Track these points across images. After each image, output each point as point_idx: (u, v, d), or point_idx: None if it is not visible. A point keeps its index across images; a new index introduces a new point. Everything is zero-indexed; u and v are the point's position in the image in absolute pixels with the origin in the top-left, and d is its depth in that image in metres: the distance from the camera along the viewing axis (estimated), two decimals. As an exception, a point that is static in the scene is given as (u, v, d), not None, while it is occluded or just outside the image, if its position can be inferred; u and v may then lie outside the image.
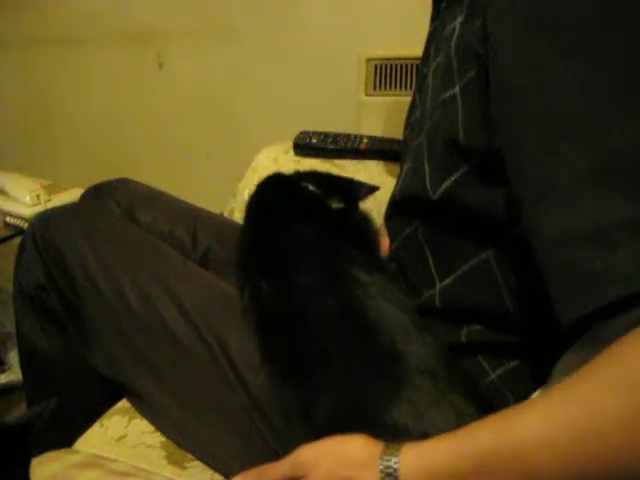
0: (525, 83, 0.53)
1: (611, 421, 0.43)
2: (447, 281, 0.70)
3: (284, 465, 0.60)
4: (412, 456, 0.52)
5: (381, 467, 0.52)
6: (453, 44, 0.67)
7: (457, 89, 0.64)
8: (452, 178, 0.65)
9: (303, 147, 1.39)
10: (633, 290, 0.43)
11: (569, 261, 0.47)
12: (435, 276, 0.71)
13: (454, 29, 0.67)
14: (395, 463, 0.52)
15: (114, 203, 1.11)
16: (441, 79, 0.68)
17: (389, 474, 0.52)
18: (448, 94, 0.65)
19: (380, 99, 1.61)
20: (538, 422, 0.46)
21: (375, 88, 1.62)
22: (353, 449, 0.56)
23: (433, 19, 0.83)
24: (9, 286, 1.07)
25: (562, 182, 0.49)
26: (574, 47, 0.50)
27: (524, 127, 0.53)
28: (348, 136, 1.42)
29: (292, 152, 1.40)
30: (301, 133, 1.43)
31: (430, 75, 0.75)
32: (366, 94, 1.63)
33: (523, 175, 0.53)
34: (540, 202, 0.50)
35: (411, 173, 0.72)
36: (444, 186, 0.66)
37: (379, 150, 1.35)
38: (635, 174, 0.46)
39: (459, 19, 0.66)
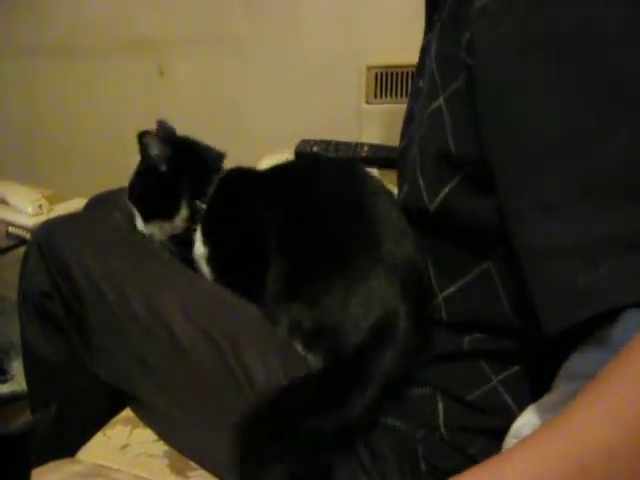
0: (508, 97, 0.54)
1: (607, 454, 0.41)
2: (448, 293, 0.70)
3: None
4: None
5: None
6: (433, 56, 0.67)
7: (441, 100, 0.65)
8: (447, 189, 0.65)
9: (304, 156, 1.39)
10: (610, 306, 0.44)
11: (553, 274, 0.49)
12: (436, 288, 0.71)
13: (433, 42, 0.68)
14: None
15: (118, 212, 1.11)
16: (428, 91, 0.69)
17: None
18: (433, 106, 0.66)
19: (381, 107, 1.62)
20: (529, 464, 0.43)
21: (376, 96, 1.62)
22: None
23: (426, 32, 0.83)
24: (12, 296, 1.07)
25: (547, 198, 0.50)
26: (557, 62, 0.50)
27: (510, 141, 0.54)
28: (349, 144, 1.42)
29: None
30: (302, 142, 1.43)
31: (424, 87, 0.76)
32: (367, 102, 1.63)
33: (509, 188, 0.55)
34: (526, 216, 0.52)
35: (408, 186, 0.73)
36: (440, 197, 0.66)
37: (380, 158, 1.35)
38: (617, 192, 0.47)
39: (435, 31, 0.67)
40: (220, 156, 1.04)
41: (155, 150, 0.98)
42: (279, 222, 0.88)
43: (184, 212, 0.98)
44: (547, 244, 0.49)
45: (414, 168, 0.71)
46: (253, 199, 0.95)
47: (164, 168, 0.99)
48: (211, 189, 0.98)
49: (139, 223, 1.01)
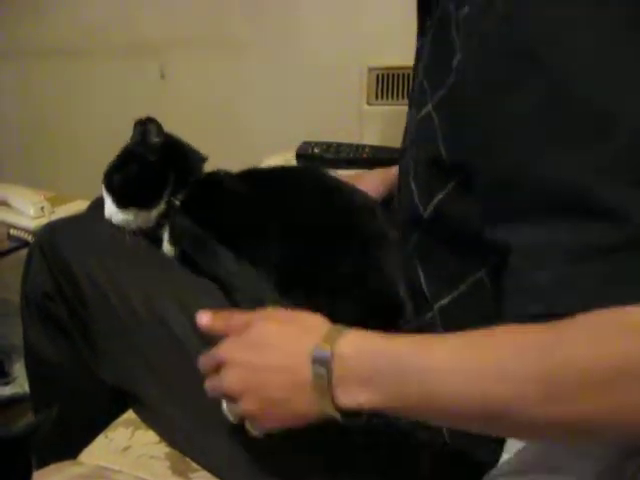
0: (479, 105, 0.55)
1: (501, 379, 0.49)
2: (443, 303, 0.70)
3: (249, 317, 0.68)
4: (352, 337, 0.60)
5: (324, 332, 0.61)
6: (424, 61, 0.67)
7: (430, 107, 0.65)
8: (441, 195, 0.65)
9: (305, 157, 1.40)
10: (550, 310, 0.48)
11: (514, 272, 0.53)
12: (430, 299, 0.71)
13: (425, 47, 0.68)
14: (340, 338, 0.59)
15: None
16: (418, 97, 0.69)
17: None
18: (423, 112, 0.66)
19: (382, 108, 1.62)
20: (447, 353, 0.54)
21: (377, 97, 1.63)
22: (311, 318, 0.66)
23: (419, 37, 0.82)
24: (13, 298, 1.07)
25: (516, 209, 0.53)
26: (529, 74, 0.51)
27: (485, 150, 0.56)
28: (350, 146, 1.42)
29: (294, 162, 1.40)
30: (303, 143, 1.44)
31: (416, 92, 0.75)
32: (368, 103, 1.64)
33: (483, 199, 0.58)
34: (498, 224, 0.55)
35: (403, 192, 0.73)
36: (434, 203, 0.66)
37: (381, 159, 1.35)
38: (575, 205, 0.48)
39: (428, 36, 0.67)
40: (203, 159, 1.04)
41: (155, 137, 0.98)
42: (272, 225, 0.89)
43: (162, 205, 0.98)
44: (510, 241, 0.53)
45: (407, 173, 0.71)
46: (225, 205, 0.96)
47: (153, 157, 0.98)
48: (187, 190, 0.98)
49: (111, 210, 0.99)
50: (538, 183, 0.50)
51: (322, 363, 0.59)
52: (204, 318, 0.69)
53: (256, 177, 1.01)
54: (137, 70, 2.08)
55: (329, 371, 0.58)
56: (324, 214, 0.90)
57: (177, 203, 0.97)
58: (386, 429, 0.76)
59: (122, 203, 0.98)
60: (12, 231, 1.49)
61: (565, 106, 0.49)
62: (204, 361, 0.70)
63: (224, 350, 0.67)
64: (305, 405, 0.61)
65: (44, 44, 2.16)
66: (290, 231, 0.88)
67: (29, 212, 1.48)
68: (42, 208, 1.49)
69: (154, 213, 0.98)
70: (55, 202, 1.55)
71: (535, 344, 0.48)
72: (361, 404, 0.57)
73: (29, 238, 1.44)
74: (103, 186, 1.00)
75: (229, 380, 0.65)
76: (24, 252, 1.06)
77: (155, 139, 0.98)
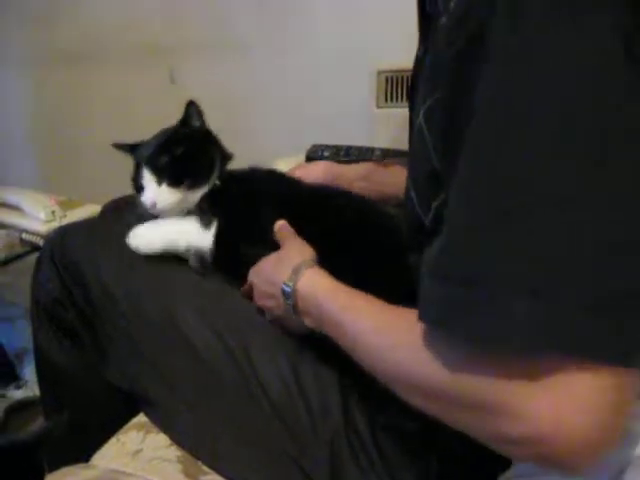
0: (450, 122, 0.56)
1: (395, 364, 0.58)
2: None
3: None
4: (310, 276, 0.76)
5: (293, 266, 0.77)
6: (425, 72, 0.67)
7: (421, 117, 0.64)
8: (439, 201, 0.65)
9: (315, 160, 1.39)
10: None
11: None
12: None
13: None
14: (301, 275, 0.76)
15: (133, 218, 1.11)
16: (413, 106, 0.69)
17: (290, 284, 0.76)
18: (417, 120, 0.65)
19: (392, 111, 1.62)
20: (367, 322, 0.64)
21: (387, 100, 1.63)
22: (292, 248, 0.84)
23: (420, 43, 0.82)
24: (25, 302, 1.08)
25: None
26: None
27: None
28: (360, 148, 1.42)
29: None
30: (313, 146, 1.44)
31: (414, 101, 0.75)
32: (378, 106, 1.64)
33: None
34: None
35: (405, 199, 0.73)
36: (433, 210, 0.66)
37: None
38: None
39: (422, 49, 0.66)
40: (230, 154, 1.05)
41: (196, 121, 1.02)
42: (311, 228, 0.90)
43: (209, 186, 0.98)
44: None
45: (408, 181, 0.71)
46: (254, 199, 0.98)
47: (199, 138, 1.01)
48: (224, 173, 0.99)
49: (157, 194, 0.95)
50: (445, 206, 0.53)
51: (288, 296, 0.76)
52: (278, 223, 0.89)
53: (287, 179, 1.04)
54: (147, 75, 2.08)
55: (294, 303, 0.76)
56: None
57: (217, 183, 0.98)
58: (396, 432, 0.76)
59: (175, 181, 0.95)
60: (24, 235, 1.50)
61: (488, 142, 0.48)
62: (244, 287, 0.89)
63: (249, 274, 0.88)
64: (295, 321, 0.78)
65: (54, 50, 2.17)
66: (330, 235, 0.90)
67: (40, 216, 1.49)
68: (53, 212, 1.50)
69: (199, 194, 0.97)
70: (66, 206, 1.56)
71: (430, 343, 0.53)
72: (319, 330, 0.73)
73: (40, 242, 1.44)
74: (146, 170, 0.97)
75: (254, 299, 0.86)
76: (36, 256, 1.06)
77: (196, 122, 1.01)
